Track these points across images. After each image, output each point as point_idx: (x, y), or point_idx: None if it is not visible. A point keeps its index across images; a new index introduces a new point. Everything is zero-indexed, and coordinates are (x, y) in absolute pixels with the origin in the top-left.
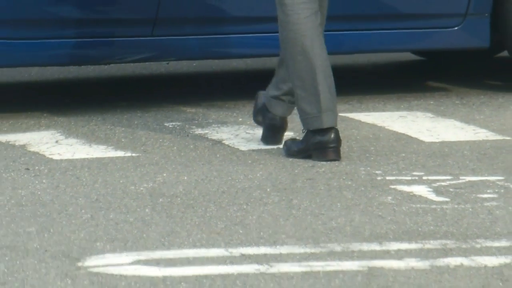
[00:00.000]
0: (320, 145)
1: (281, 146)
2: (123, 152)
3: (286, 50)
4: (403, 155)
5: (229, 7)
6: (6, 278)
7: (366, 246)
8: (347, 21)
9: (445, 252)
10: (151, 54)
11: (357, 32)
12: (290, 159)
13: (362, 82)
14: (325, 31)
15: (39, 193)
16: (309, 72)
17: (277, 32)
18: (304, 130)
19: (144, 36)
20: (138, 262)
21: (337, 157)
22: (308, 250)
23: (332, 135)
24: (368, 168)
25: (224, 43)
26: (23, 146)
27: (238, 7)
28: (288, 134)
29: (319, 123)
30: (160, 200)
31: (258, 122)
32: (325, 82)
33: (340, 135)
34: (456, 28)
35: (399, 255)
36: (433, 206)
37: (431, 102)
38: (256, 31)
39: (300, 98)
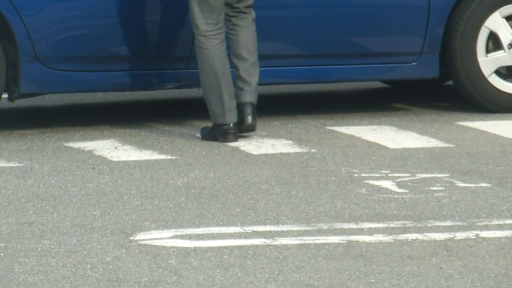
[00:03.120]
0: (223, 131)
1: (279, 151)
2: (165, 156)
3: (201, 67)
4: (374, 158)
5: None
6: (77, 248)
7: (345, 225)
8: (333, 58)
9: (405, 230)
10: (186, 83)
11: (340, 66)
12: (290, 161)
13: (344, 103)
14: (316, 65)
15: (102, 186)
16: (216, 83)
17: (276, 66)
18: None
19: (181, 69)
20: (175, 236)
21: (234, 139)
22: (302, 228)
23: (231, 125)
24: (348, 168)
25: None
26: (90, 151)
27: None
28: (283, 142)
29: (224, 120)
30: (192, 191)
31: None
32: (226, 90)
33: (326, 142)
34: (414, 63)
35: (370, 231)
36: (396, 196)
37: (395, 119)
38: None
39: (210, 102)
